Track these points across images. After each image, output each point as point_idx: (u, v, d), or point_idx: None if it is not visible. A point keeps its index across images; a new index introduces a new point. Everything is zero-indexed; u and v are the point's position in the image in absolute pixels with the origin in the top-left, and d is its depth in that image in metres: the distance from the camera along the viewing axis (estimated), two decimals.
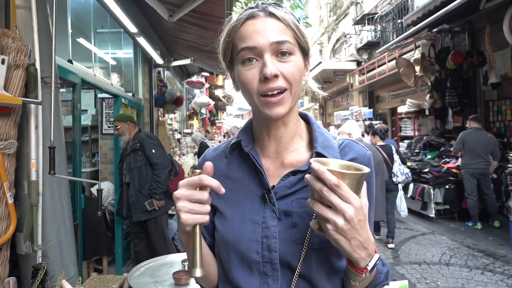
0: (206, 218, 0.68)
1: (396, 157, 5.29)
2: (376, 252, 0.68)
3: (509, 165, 5.49)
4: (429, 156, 7.11)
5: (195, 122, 12.56)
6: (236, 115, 29.11)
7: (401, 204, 5.74)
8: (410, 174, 5.35)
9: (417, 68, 7.77)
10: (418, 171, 6.65)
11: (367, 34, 10.80)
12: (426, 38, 7.68)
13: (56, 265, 1.99)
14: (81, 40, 3.82)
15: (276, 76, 0.73)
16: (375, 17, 10.28)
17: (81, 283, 1.66)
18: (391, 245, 5.18)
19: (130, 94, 5.05)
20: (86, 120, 5.10)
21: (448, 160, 6.59)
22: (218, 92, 13.22)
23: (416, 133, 8.73)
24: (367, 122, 8.89)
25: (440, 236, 5.64)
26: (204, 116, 13.32)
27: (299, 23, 0.78)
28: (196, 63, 6.26)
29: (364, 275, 0.68)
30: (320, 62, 12.59)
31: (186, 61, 6.05)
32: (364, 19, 10.94)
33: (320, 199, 0.64)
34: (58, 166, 1.97)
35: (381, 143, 5.37)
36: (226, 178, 0.84)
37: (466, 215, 6.17)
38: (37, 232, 1.87)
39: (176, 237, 4.45)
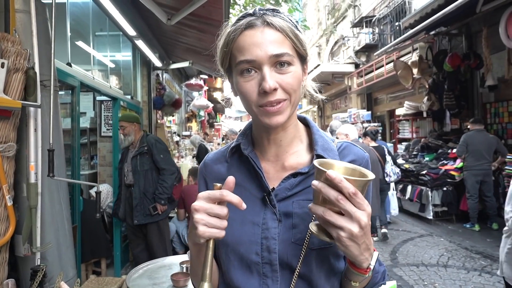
0: (222, 234, 0.67)
1: (388, 157, 5.49)
2: (374, 250, 0.69)
3: (506, 167, 5.52)
4: (427, 158, 7.12)
5: (194, 125, 12.57)
6: (235, 118, 29.16)
7: (392, 202, 5.89)
8: (400, 173, 5.69)
9: (415, 71, 7.80)
10: (416, 173, 6.66)
11: (365, 36, 10.83)
12: (424, 40, 7.71)
13: (54, 267, 1.99)
14: (80, 43, 3.82)
15: (275, 89, 0.73)
16: (373, 20, 10.31)
17: (79, 285, 1.66)
18: (384, 230, 5.52)
19: (129, 97, 5.06)
20: (85, 123, 5.09)
21: (446, 162, 6.61)
22: (217, 95, 13.25)
23: (414, 135, 8.73)
24: (365, 125, 8.92)
25: (438, 238, 5.65)
26: (203, 118, 13.33)
27: (297, 29, 0.77)
28: (195, 66, 6.28)
29: (367, 275, 0.68)
30: (318, 65, 12.62)
31: (185, 64, 6.06)
32: (362, 22, 10.98)
33: (328, 205, 0.62)
34: (57, 169, 1.98)
35: (373, 144, 5.47)
36: None
37: (464, 217, 6.19)
38: (36, 234, 1.87)
39: (174, 239, 4.45)
